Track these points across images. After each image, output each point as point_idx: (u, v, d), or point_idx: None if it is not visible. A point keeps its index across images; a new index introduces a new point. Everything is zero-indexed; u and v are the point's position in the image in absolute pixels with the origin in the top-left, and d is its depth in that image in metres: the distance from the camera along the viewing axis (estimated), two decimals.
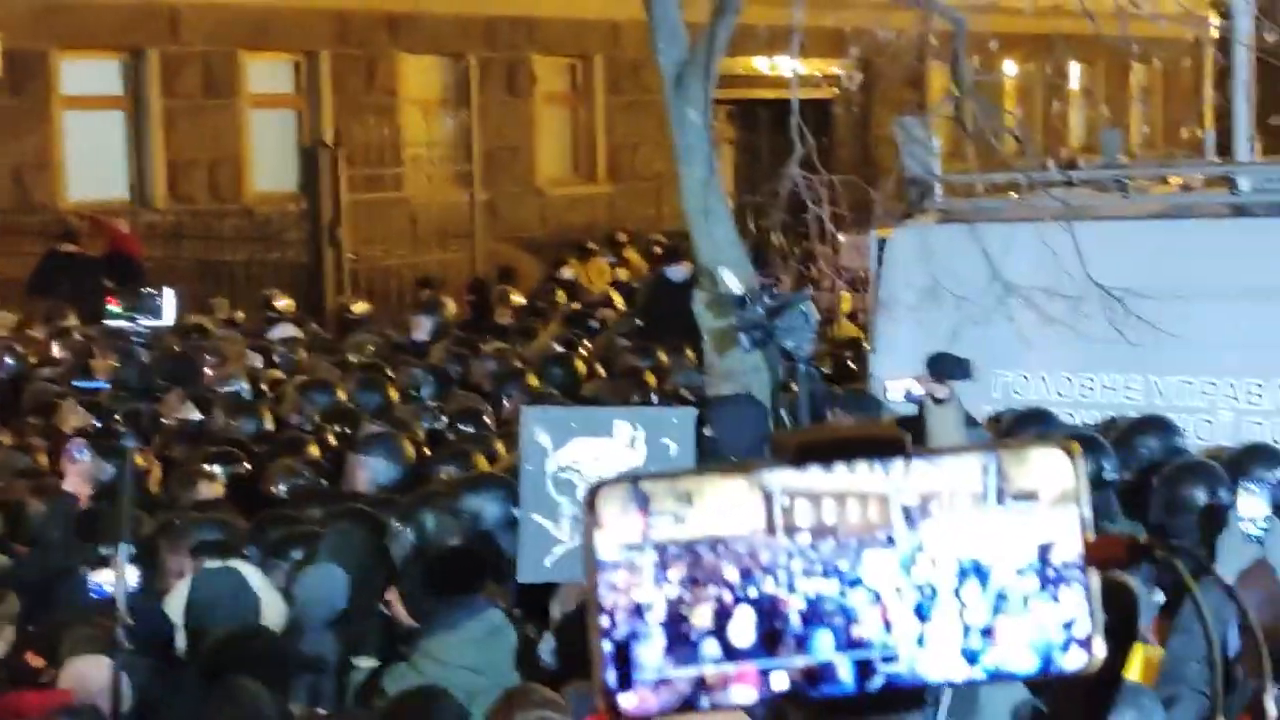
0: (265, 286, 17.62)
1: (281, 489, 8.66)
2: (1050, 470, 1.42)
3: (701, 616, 1.38)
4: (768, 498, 1.41)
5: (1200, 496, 7.34)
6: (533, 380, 11.25)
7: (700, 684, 1.37)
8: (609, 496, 1.41)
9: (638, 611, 1.38)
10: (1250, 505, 5.94)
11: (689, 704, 1.36)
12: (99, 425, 9.90)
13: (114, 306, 9.82)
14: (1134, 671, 5.26)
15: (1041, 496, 1.42)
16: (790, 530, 1.41)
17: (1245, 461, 7.59)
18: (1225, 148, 11.17)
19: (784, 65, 9.99)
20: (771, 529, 1.41)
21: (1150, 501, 7.63)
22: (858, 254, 11.21)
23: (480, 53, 24.56)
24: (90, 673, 5.99)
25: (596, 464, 6.73)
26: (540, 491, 6.88)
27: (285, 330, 14.18)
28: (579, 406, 9.16)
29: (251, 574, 6.99)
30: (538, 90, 25.54)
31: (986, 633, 1.40)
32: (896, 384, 8.19)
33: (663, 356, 11.94)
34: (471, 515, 7.40)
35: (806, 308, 9.18)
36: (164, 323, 7.99)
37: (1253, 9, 9.98)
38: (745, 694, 1.38)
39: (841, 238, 13.48)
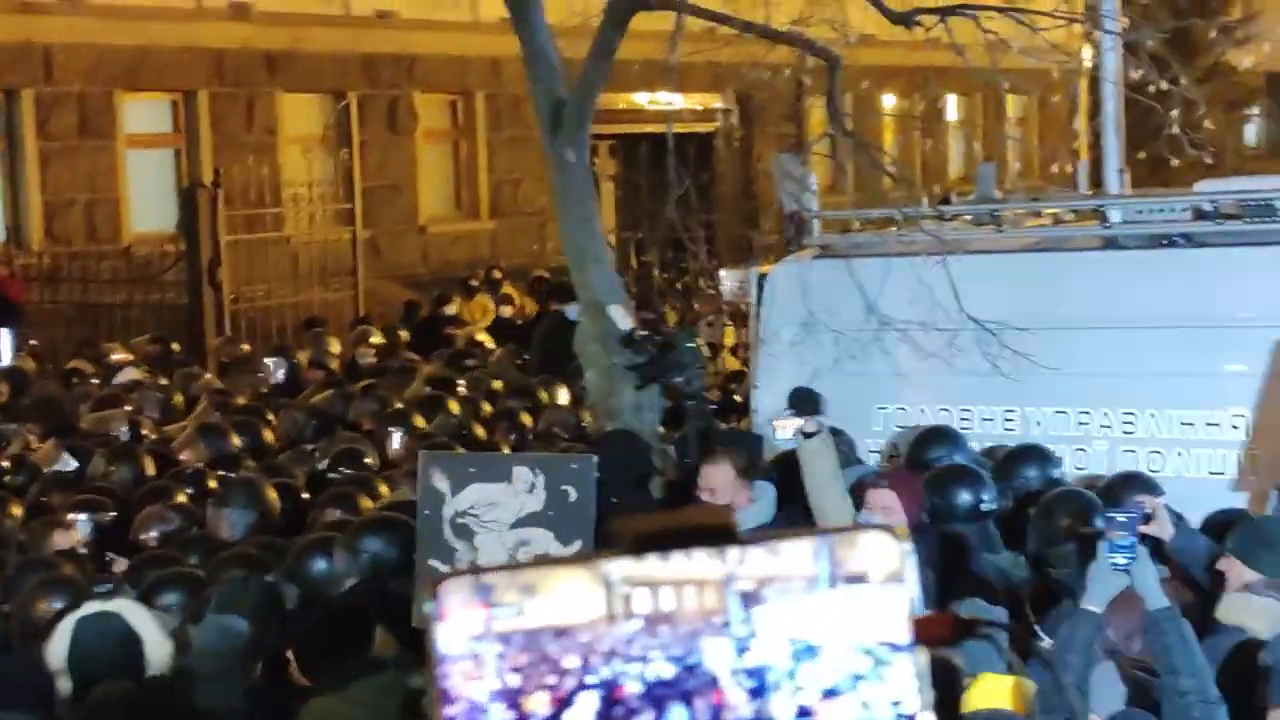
0: (144, 329, 17.45)
1: (152, 535, 8.56)
2: (879, 553, 1.45)
3: (542, 705, 1.40)
4: (608, 587, 1.43)
5: (1076, 526, 7.44)
6: (419, 421, 11.22)
7: None
8: (452, 590, 1.42)
9: (481, 702, 1.40)
10: (1118, 534, 6.03)
11: None
12: None
13: None
14: (1008, 702, 5.34)
15: (871, 578, 1.45)
16: (630, 618, 1.43)
17: (1117, 490, 7.72)
18: (1098, 180, 11.37)
19: (666, 100, 10.09)
20: (612, 617, 1.43)
21: (1028, 532, 7.73)
22: (739, 288, 11.29)
23: (360, 90, 24.50)
24: None
25: (495, 510, 6.72)
26: (438, 537, 6.84)
27: (128, 374, 14.02)
28: (478, 452, 9.14)
29: (133, 614, 6.86)
30: (419, 127, 25.50)
31: (811, 713, 1.43)
32: (785, 423, 8.24)
33: (542, 395, 11.96)
34: (369, 557, 7.31)
35: (694, 344, 9.24)
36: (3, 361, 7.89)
37: (1119, 46, 10.18)
38: None
39: (723, 273, 13.58)
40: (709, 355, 12.76)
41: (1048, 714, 5.49)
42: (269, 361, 14.03)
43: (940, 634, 1.47)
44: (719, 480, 7.76)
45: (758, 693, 1.43)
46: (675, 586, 1.44)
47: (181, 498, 9.23)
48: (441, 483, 6.81)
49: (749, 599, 1.44)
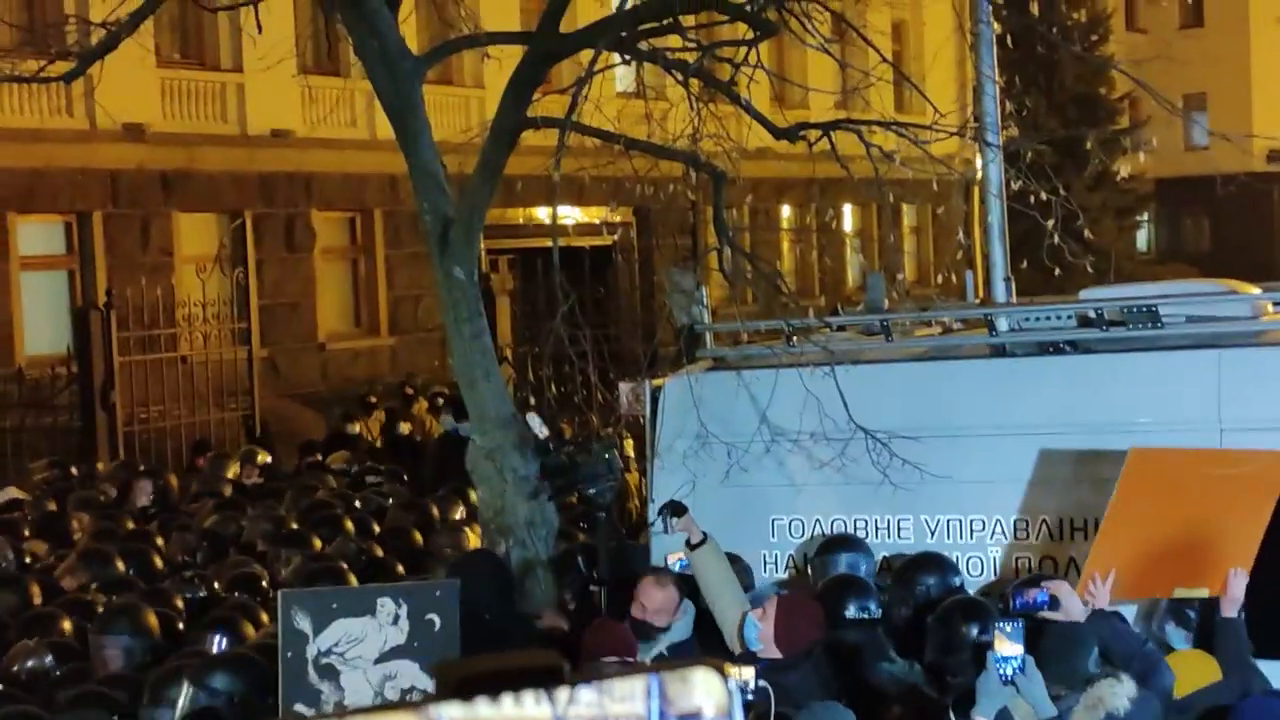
0: (38, 452, 17.19)
1: (26, 669, 8.32)
2: (707, 688, 1.44)
3: None
4: None
5: (974, 633, 7.46)
6: (315, 542, 11.10)
7: None
8: None
9: None
10: (1005, 645, 6.04)
11: None
12: None
13: None
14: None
15: (704, 714, 1.44)
16: None
17: (1014, 589, 7.75)
18: (987, 288, 11.51)
19: (564, 213, 10.14)
20: None
21: (927, 639, 7.75)
22: (637, 400, 11.31)
23: (257, 209, 24.47)
24: None
25: (359, 646, 6.60)
26: (302, 680, 6.68)
27: (8, 493, 13.80)
28: (339, 587, 8.99)
29: None
30: (317, 245, 25.48)
31: None
32: (676, 555, 8.33)
33: (435, 511, 11.88)
34: (225, 695, 7.13)
35: (611, 455, 9.21)
36: None
37: (1000, 158, 10.35)
38: None
39: (621, 385, 13.58)
40: (623, 467, 12.73)
41: None
42: (140, 483, 13.80)
43: None
44: (662, 601, 7.82)
45: None
46: None
47: (66, 625, 9.04)
48: (304, 623, 6.69)
49: None
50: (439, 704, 1.42)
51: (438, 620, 6.59)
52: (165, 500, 13.61)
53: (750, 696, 5.87)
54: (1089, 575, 7.09)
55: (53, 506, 13.10)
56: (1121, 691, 5.64)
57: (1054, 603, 7.04)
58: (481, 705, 1.43)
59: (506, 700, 1.43)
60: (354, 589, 8.21)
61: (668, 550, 8.39)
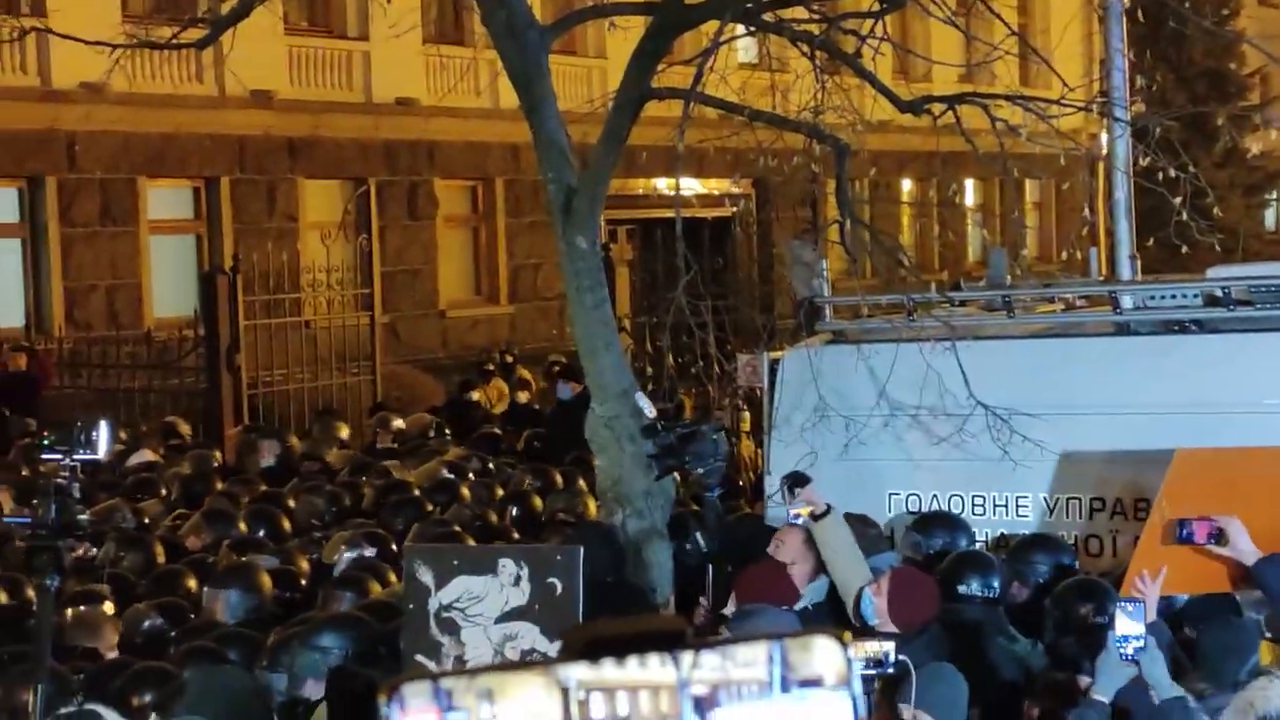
0: (163, 414, 17.51)
1: (142, 630, 8.49)
2: (828, 657, 1.47)
3: None
4: (564, 692, 1.45)
5: (1090, 615, 7.42)
6: (429, 507, 11.24)
7: None
8: (410, 694, 1.44)
9: None
10: (1125, 624, 6.01)
11: None
12: None
13: (47, 439, 9.53)
14: None
15: (824, 682, 1.47)
16: None
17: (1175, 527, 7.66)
18: (1111, 265, 11.39)
19: (685, 185, 10.15)
20: None
21: (1044, 621, 7.71)
22: (754, 373, 11.32)
23: (380, 176, 24.70)
24: None
25: (480, 604, 6.67)
26: (423, 633, 6.78)
27: (142, 456, 14.05)
28: (464, 544, 9.09)
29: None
30: (439, 212, 25.68)
31: None
32: (799, 510, 8.27)
33: (558, 478, 11.97)
34: (337, 653, 7.19)
35: (717, 436, 9.23)
36: (98, 456, 7.78)
37: (1128, 136, 10.22)
38: None
39: (741, 357, 13.58)
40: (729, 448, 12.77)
41: None
42: (263, 443, 14.03)
43: None
44: (798, 550, 7.89)
45: None
46: (630, 692, 1.46)
47: (191, 583, 9.23)
48: (426, 576, 6.77)
49: (702, 704, 1.46)
50: (566, 665, 1.46)
51: (559, 584, 6.64)
52: (289, 463, 13.81)
53: (891, 669, 5.88)
54: (1135, 573, 7.00)
55: (184, 470, 13.34)
56: (1275, 695, 5.57)
57: (1220, 537, 6.97)
58: (608, 667, 1.46)
59: (632, 663, 1.46)
60: (476, 547, 8.30)
61: (790, 508, 8.36)
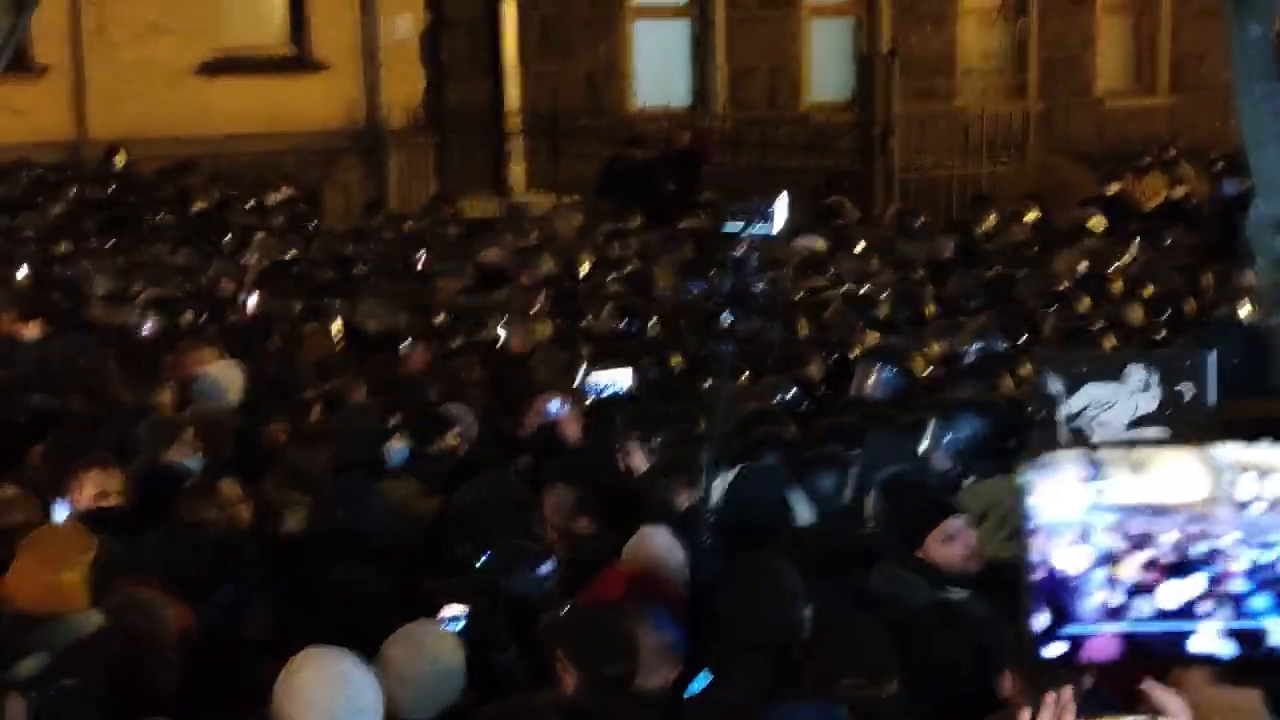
0: (816, 194, 17.95)
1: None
2: None
3: (1135, 576, 1.48)
4: (1216, 471, 1.49)
5: None
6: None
7: (1129, 640, 1.47)
8: (1060, 461, 1.52)
9: (1074, 570, 1.49)
10: None
11: (1116, 658, 1.47)
12: None
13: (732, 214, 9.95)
14: None
15: None
16: (1234, 502, 1.49)
17: None
18: None
19: None
20: (1216, 499, 1.49)
21: None
22: None
23: None
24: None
25: (1108, 412, 6.57)
26: (1050, 444, 6.76)
27: (808, 241, 14.42)
28: (1090, 350, 8.95)
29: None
30: None
31: None
32: None
33: (1208, 279, 11.61)
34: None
35: None
36: (773, 232, 7.99)
37: None
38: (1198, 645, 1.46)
39: None
40: None
41: None
42: (943, 239, 14.26)
43: None
44: None
45: None
46: None
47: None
48: (1055, 385, 6.68)
49: None
50: (1220, 445, 1.50)
51: (1188, 390, 6.47)
52: (969, 251, 13.97)
53: None
54: None
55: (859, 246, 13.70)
56: None
57: None
58: (1263, 448, 1.49)
59: None
60: (1104, 353, 8.18)
61: None
